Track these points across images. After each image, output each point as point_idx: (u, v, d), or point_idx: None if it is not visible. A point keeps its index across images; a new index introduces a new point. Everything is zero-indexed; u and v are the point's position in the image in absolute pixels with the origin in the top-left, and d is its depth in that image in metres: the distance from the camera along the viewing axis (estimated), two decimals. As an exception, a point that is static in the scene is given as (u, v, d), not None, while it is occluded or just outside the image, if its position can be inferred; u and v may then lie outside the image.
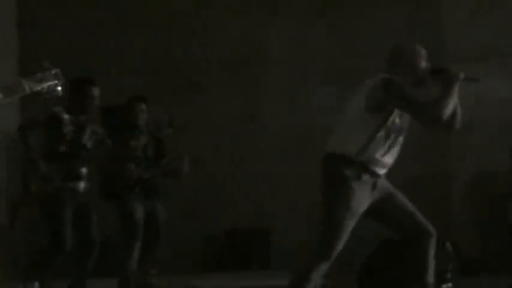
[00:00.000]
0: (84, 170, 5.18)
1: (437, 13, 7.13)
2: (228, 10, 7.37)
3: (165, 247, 5.67)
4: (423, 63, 4.18)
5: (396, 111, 4.04)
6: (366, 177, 4.03)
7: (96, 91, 5.20)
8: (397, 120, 4.06)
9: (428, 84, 4.19)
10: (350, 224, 4.01)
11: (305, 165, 7.05)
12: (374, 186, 4.07)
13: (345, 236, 4.00)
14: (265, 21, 7.39)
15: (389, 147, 4.07)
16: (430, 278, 4.15)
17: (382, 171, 4.10)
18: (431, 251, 4.16)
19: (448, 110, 3.99)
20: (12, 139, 7.10)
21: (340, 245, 4.00)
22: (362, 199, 4.03)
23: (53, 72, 3.09)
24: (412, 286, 4.19)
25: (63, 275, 5.16)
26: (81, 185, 5.18)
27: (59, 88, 3.09)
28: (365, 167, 4.02)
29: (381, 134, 4.01)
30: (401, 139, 4.14)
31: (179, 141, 5.99)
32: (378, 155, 4.03)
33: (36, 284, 5.11)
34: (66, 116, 5.14)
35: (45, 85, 3.02)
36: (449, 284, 5.38)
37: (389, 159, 4.10)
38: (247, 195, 7.33)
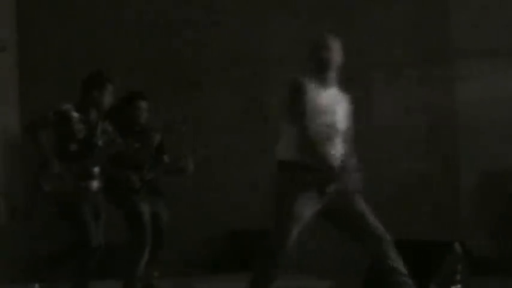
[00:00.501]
0: (96, 169, 5.09)
1: (444, 9, 7.03)
2: (230, 8, 7.27)
3: (168, 248, 5.60)
4: (327, 55, 4.19)
5: (327, 105, 4.09)
6: (309, 177, 4.02)
7: (111, 87, 5.14)
8: (328, 114, 4.09)
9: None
10: (294, 228, 4.04)
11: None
12: (322, 188, 4.05)
13: (289, 239, 4.05)
14: (267, 19, 7.29)
15: (327, 141, 4.07)
16: (402, 277, 4.12)
17: (327, 166, 4.07)
18: (391, 254, 4.12)
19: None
20: (12, 138, 7.07)
21: (285, 248, 4.06)
22: (306, 203, 4.03)
23: None
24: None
25: (64, 276, 5.09)
26: (94, 184, 5.10)
27: None
28: (307, 167, 4.02)
29: (313, 130, 4.02)
30: (340, 129, 4.14)
31: (181, 141, 5.92)
32: (316, 152, 4.03)
33: (37, 285, 5.03)
34: (75, 114, 5.04)
35: None
36: (459, 286, 5.29)
37: (331, 152, 4.08)
38: (251, 195, 7.25)
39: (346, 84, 6.99)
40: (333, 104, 4.16)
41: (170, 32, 7.41)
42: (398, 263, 4.13)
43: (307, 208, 4.06)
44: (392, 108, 7.02)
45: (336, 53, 4.24)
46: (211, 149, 7.32)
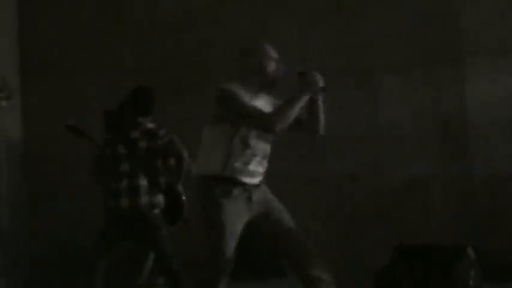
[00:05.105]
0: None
1: (453, 9, 6.93)
2: (234, 9, 7.15)
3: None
4: (272, 65, 4.08)
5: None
6: (236, 192, 3.92)
7: None
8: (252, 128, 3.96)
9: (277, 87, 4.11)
10: (229, 243, 3.89)
11: (319, 168, 6.88)
12: (249, 199, 3.96)
13: (227, 256, 3.88)
14: (271, 19, 7.18)
15: (252, 155, 3.97)
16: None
17: (253, 181, 4.00)
18: (316, 271, 3.94)
19: (284, 119, 3.88)
20: (14, 142, 7.01)
21: (224, 266, 3.88)
22: (236, 216, 3.91)
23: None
24: None
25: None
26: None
27: (3, 100, 3.11)
28: (233, 180, 3.92)
29: (237, 143, 3.92)
30: (264, 145, 4.03)
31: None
32: (241, 165, 3.93)
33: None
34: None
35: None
36: (471, 292, 5.20)
37: (255, 167, 4.00)
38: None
39: (354, 86, 6.99)
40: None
41: (176, 32, 7.29)
42: (325, 274, 3.98)
43: (240, 222, 3.96)
44: (400, 109, 6.92)
45: (272, 60, 4.13)
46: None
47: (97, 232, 5.14)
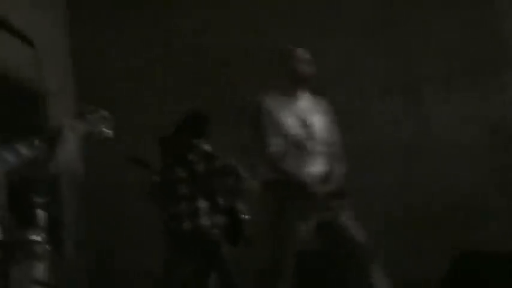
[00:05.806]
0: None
1: (494, 19, 6.90)
2: (278, 27, 7.21)
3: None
4: (302, 67, 4.20)
5: (295, 123, 4.07)
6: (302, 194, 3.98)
7: None
8: (299, 131, 4.08)
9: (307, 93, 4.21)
10: (291, 247, 3.99)
11: (371, 177, 6.88)
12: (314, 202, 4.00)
13: (288, 259, 3.99)
14: (318, 37, 7.21)
15: (308, 158, 4.05)
16: None
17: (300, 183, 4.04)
18: (375, 273, 4.03)
19: (272, 168, 4.11)
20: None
21: (285, 270, 3.95)
22: (299, 220, 3.97)
23: (103, 114, 3.21)
24: None
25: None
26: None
27: (108, 130, 3.21)
28: (291, 184, 3.99)
29: (289, 148, 4.02)
30: (319, 147, 4.09)
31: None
32: (297, 169, 4.00)
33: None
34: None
35: (96, 128, 3.12)
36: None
37: (315, 168, 4.05)
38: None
39: (401, 98, 6.99)
40: (304, 117, 4.16)
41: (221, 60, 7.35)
42: (381, 282, 4.03)
43: (310, 223, 4.01)
44: (448, 119, 6.90)
45: (307, 64, 4.25)
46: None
47: (163, 259, 5.20)
